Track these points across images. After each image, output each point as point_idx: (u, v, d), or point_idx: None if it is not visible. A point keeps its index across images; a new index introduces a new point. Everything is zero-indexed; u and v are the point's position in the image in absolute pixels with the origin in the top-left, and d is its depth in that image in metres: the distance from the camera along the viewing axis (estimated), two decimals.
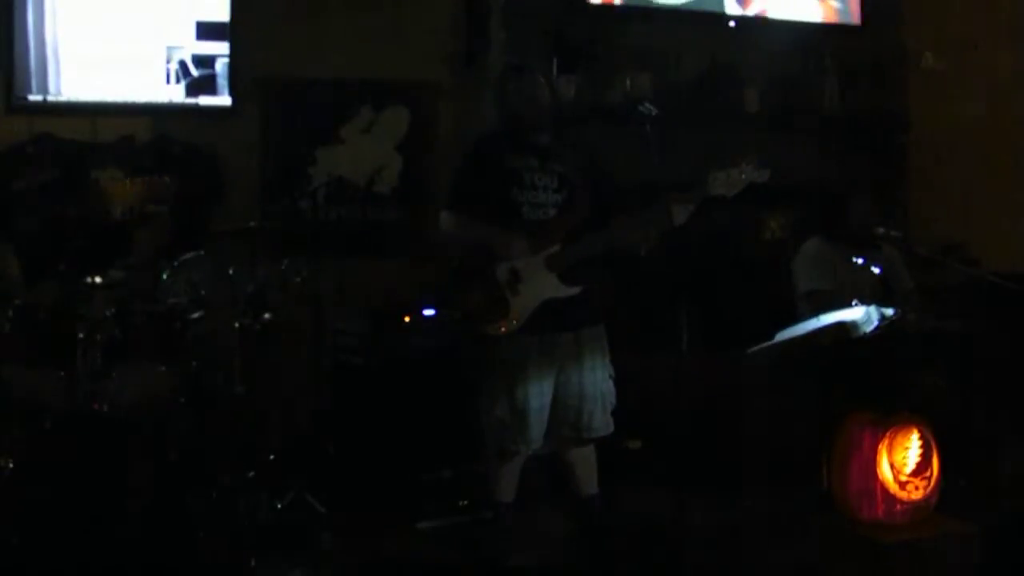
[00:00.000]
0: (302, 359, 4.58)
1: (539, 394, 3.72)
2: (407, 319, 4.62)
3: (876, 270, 4.35)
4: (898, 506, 3.59)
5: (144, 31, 4.99)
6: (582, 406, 3.79)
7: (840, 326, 3.82)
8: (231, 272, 4.21)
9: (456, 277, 3.85)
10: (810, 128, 5.76)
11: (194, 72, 5.05)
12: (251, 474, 4.04)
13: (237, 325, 4.13)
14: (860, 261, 4.35)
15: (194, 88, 5.06)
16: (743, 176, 3.56)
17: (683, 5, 5.55)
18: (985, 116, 5.77)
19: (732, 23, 5.65)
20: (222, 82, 5.07)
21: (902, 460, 3.59)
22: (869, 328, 3.77)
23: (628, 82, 5.39)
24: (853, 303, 3.89)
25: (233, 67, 5.06)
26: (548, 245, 3.70)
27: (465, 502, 4.35)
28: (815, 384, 4.11)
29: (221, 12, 5.06)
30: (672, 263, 3.53)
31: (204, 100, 5.07)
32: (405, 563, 3.95)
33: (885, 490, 3.56)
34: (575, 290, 3.71)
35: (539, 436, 3.75)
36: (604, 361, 3.85)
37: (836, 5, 5.92)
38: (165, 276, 4.17)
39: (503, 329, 3.69)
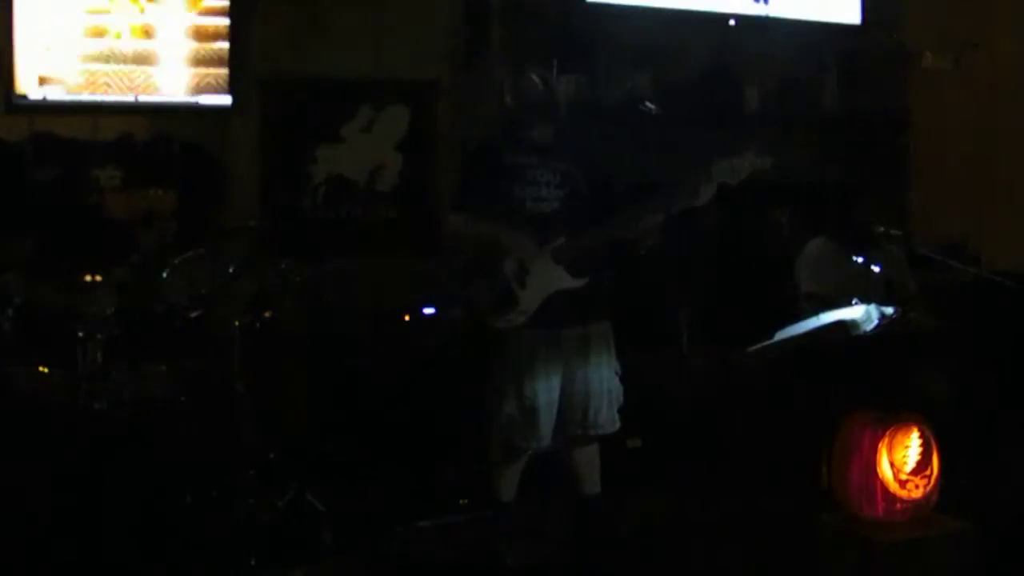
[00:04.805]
0: (302, 358, 4.58)
1: (547, 389, 3.73)
2: (407, 317, 4.62)
3: (876, 268, 4.35)
4: (898, 504, 3.58)
5: (144, 29, 4.99)
6: (588, 402, 3.79)
7: (840, 325, 3.82)
8: (231, 271, 4.21)
9: (463, 272, 3.87)
10: (810, 127, 5.76)
11: (195, 71, 5.05)
12: (251, 474, 4.04)
13: (237, 324, 4.12)
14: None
15: (194, 87, 5.06)
16: (747, 164, 3.58)
17: (683, 4, 5.55)
18: (986, 116, 5.77)
19: (732, 22, 5.65)
20: (222, 82, 5.07)
21: (902, 459, 3.59)
22: (869, 327, 3.77)
23: (628, 81, 5.39)
24: (853, 302, 3.89)
25: (233, 67, 5.06)
26: (552, 238, 3.72)
27: (465, 501, 4.35)
28: (815, 383, 4.12)
29: (221, 11, 5.06)
30: (674, 259, 3.54)
31: (204, 100, 5.08)
32: (405, 563, 3.95)
33: (885, 489, 3.56)
34: (583, 282, 3.72)
35: (547, 432, 3.76)
36: (611, 357, 3.85)
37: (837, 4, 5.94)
38: (165, 275, 4.17)
39: (512, 322, 3.70)
